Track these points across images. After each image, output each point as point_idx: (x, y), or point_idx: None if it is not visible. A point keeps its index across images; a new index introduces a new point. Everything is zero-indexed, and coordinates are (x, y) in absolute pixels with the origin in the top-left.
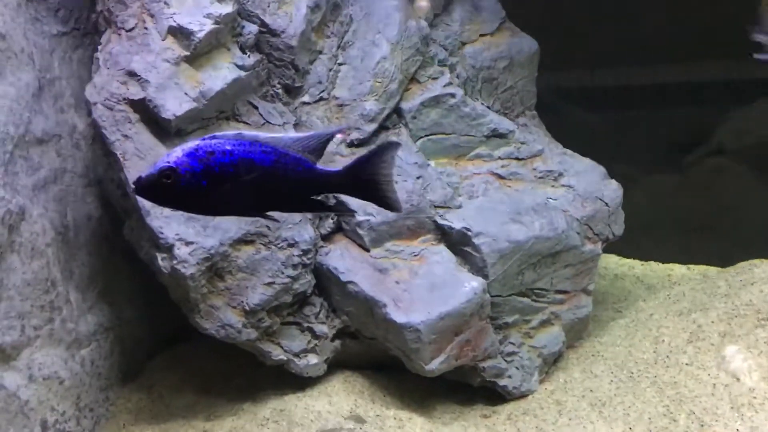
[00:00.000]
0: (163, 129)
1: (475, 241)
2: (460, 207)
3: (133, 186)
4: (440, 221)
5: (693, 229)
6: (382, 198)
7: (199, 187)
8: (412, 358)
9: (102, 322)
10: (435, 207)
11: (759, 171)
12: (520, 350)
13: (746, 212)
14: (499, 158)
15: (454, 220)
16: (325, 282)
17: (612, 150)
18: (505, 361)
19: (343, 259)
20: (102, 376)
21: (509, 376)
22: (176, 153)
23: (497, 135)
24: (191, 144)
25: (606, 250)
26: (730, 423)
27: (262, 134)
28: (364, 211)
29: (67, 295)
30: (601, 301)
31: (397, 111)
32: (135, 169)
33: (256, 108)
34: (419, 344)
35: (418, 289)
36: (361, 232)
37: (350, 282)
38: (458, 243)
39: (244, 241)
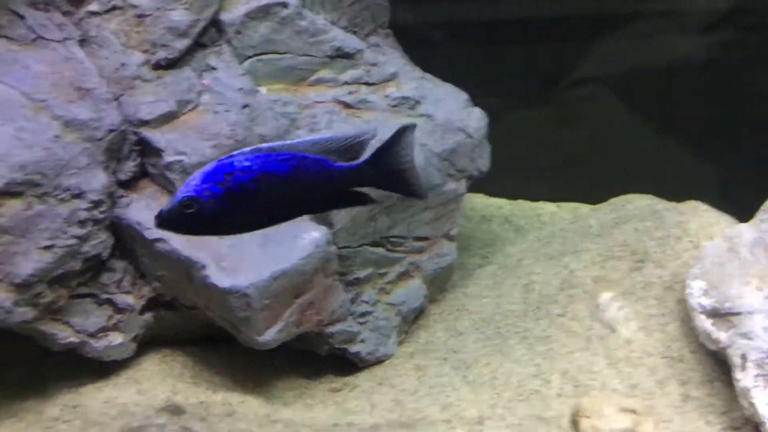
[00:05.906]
0: None
1: None
2: None
3: (155, 221)
4: None
5: (563, 164)
6: (408, 187)
7: (222, 211)
8: (241, 329)
9: None
10: (266, 142)
11: (628, 101)
12: (375, 309)
13: (616, 144)
14: (346, 83)
15: None
16: (129, 241)
17: (477, 83)
18: (358, 323)
19: (149, 210)
20: None
21: (362, 341)
22: (194, 181)
23: (343, 55)
24: (208, 168)
25: (474, 189)
26: (608, 381)
27: (278, 143)
28: (175, 150)
29: None
30: (466, 246)
31: (216, 24)
32: None
33: (23, 18)
34: (249, 312)
35: (248, 244)
36: (171, 176)
37: (159, 240)
38: None
39: (9, 193)
